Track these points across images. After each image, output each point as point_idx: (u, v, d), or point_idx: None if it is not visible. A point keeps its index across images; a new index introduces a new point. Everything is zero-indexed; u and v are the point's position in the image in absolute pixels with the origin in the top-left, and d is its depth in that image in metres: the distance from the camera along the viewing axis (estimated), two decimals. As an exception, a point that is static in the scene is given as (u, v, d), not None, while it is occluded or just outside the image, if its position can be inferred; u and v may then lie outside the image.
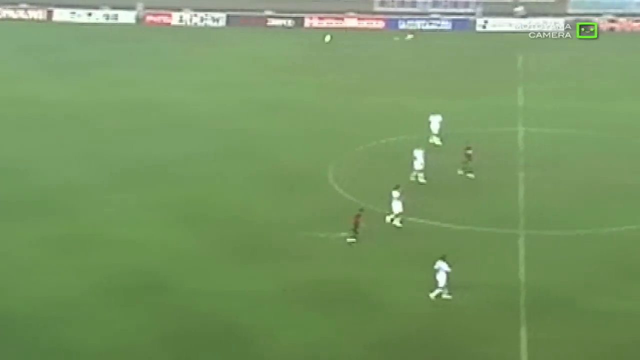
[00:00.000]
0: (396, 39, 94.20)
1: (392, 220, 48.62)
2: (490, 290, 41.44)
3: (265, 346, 38.03)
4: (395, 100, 71.86)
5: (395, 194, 48.72)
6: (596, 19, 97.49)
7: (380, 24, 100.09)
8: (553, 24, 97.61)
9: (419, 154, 54.51)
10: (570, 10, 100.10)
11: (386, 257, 45.56)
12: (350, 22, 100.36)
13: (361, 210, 47.25)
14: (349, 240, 46.71)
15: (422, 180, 54.10)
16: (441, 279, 41.10)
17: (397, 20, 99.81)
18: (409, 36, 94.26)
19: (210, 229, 48.68)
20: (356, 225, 46.81)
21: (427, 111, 63.17)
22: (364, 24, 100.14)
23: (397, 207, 48.56)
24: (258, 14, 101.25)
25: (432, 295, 41.24)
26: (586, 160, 58.59)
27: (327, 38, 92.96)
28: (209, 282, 43.02)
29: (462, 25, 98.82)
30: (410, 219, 48.65)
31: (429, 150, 57.09)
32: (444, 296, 41.19)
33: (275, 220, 49.80)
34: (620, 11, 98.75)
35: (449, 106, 64.62)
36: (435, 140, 60.53)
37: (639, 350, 37.34)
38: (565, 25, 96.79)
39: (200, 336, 38.68)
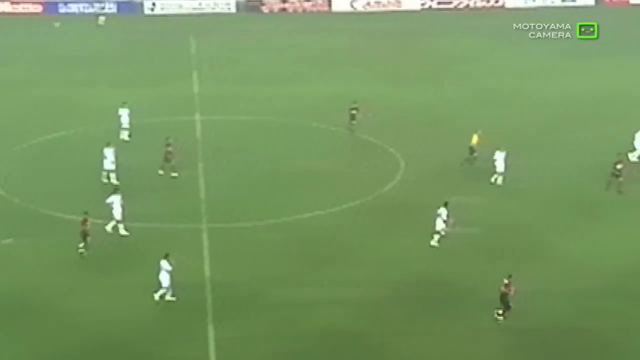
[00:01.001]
0: (57, 24, 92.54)
1: (113, 228, 47.38)
2: (177, 290, 41.74)
3: None
4: (61, 91, 70.64)
5: (115, 198, 47.45)
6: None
7: (38, 8, 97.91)
8: (224, 5, 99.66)
9: (109, 152, 53.40)
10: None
11: (63, 261, 44.64)
12: (4, 7, 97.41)
13: (86, 213, 45.38)
14: (80, 250, 44.84)
15: (114, 180, 52.83)
16: (164, 279, 41.17)
17: (56, 3, 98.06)
18: (57, 24, 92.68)
19: None
20: (84, 232, 44.87)
21: (99, 102, 62.56)
22: (20, 8, 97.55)
23: (117, 212, 47.18)
24: None
25: (156, 296, 41.24)
26: (267, 147, 60.17)
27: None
28: None
29: (129, 8, 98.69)
30: (99, 221, 47.27)
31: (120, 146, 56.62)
32: (168, 297, 41.25)
33: None
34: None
35: (124, 96, 64.18)
36: (124, 136, 60.19)
37: (328, 339, 39.02)
38: (236, 6, 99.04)
39: None
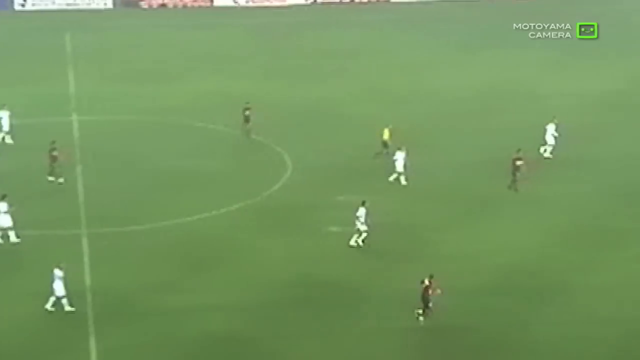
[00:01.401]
0: None
1: (16, 236, 46.69)
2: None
3: None
4: None
5: (3, 205, 46.69)
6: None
7: None
8: (100, 0, 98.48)
9: None
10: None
11: None
12: None
13: None
14: None
15: None
16: (58, 287, 40.69)
17: None
18: None
19: None
20: None
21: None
22: None
23: (5, 220, 46.51)
24: None
25: (48, 305, 40.80)
26: (149, 148, 59.71)
27: None
28: None
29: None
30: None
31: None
32: (67, 308, 40.84)
33: None
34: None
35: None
36: (7, 138, 59.23)
37: (216, 345, 39.10)
38: (113, 2, 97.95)
39: None
